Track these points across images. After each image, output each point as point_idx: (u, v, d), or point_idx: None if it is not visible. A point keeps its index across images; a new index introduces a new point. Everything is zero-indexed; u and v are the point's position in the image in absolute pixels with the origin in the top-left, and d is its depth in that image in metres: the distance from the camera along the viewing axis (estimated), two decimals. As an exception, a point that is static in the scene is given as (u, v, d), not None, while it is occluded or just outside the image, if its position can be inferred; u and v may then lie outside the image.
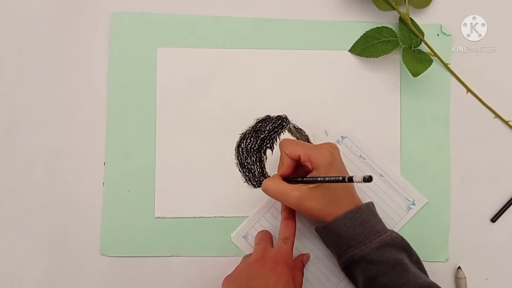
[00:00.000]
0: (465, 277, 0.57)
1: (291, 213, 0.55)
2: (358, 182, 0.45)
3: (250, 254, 0.54)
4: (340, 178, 0.47)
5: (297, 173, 0.54)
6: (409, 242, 0.51)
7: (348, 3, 0.60)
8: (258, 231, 0.57)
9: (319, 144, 0.54)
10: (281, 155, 0.54)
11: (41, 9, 0.59)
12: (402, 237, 0.51)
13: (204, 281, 0.57)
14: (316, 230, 0.54)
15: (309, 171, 0.52)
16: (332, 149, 0.52)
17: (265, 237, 0.55)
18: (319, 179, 0.50)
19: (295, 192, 0.50)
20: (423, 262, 0.52)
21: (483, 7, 0.60)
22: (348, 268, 0.52)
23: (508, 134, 0.59)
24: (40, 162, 0.58)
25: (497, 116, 0.59)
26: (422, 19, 0.59)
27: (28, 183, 0.58)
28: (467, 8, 0.60)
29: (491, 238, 0.59)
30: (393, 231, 0.51)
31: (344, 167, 0.54)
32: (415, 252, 0.52)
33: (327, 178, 0.49)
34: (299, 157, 0.52)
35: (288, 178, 0.54)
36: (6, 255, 0.57)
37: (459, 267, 0.58)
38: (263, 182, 0.53)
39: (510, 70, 0.60)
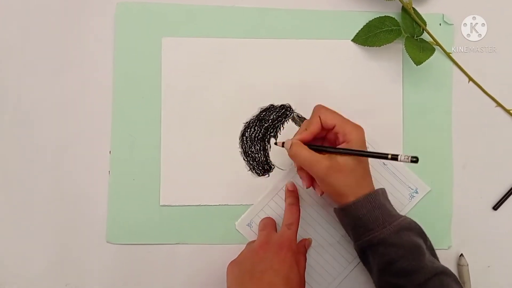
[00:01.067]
0: (467, 264, 0.58)
1: (295, 199, 0.55)
2: (404, 161, 0.44)
3: (255, 240, 0.54)
4: (383, 154, 0.46)
5: (314, 143, 0.53)
6: None
7: (351, -7, 0.60)
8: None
9: (351, 121, 0.52)
10: (311, 119, 0.52)
11: (47, -1, 0.59)
12: (416, 223, 0.51)
13: (209, 268, 0.58)
14: (334, 211, 0.54)
15: (333, 143, 0.52)
16: (362, 129, 0.52)
17: (268, 224, 0.55)
18: (353, 151, 0.48)
19: (325, 161, 0.49)
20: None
21: (483, 7, 0.60)
22: (364, 251, 0.51)
23: (510, 123, 0.60)
24: (47, 152, 0.58)
25: (499, 105, 0.60)
26: (424, 9, 0.59)
27: (35, 172, 0.58)
28: (467, 8, 0.60)
29: (493, 226, 0.59)
30: (406, 217, 0.51)
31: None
32: (429, 239, 0.52)
33: (364, 152, 0.48)
34: (333, 126, 0.50)
35: (317, 146, 0.51)
36: (14, 243, 0.58)
37: (461, 255, 0.58)
38: (291, 147, 0.50)
39: (510, 70, 0.60)
